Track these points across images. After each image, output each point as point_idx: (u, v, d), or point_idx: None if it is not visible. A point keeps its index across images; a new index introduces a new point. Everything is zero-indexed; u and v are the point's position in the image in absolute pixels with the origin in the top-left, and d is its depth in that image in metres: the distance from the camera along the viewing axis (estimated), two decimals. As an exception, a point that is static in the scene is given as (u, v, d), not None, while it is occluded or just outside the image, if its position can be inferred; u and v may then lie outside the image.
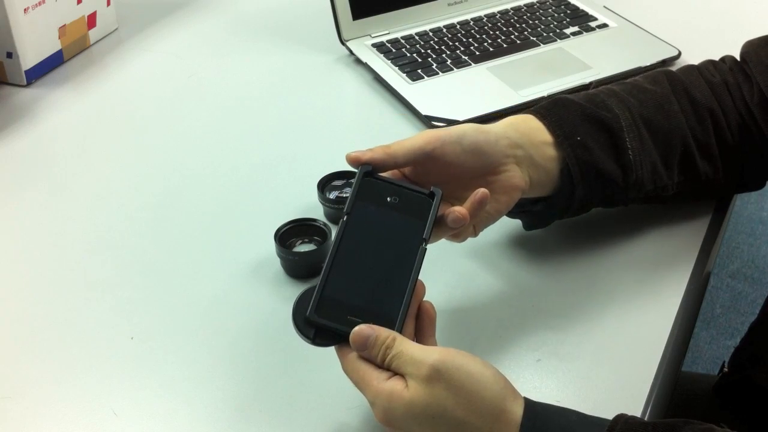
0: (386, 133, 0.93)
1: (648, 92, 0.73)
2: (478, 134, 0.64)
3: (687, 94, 0.73)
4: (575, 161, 0.67)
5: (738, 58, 0.78)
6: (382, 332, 0.53)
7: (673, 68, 1.01)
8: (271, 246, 0.72)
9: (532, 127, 0.68)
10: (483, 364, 0.53)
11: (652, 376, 0.64)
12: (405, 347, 0.53)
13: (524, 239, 0.76)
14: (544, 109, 0.70)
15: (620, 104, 0.71)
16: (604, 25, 1.08)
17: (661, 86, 0.74)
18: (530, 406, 0.53)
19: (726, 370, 0.88)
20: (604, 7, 1.12)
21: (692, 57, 1.02)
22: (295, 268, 0.72)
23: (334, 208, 0.77)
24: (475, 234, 0.66)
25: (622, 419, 0.53)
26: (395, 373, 0.53)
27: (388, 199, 0.59)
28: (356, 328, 0.54)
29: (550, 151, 0.67)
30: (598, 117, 0.69)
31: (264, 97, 1.00)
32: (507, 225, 0.77)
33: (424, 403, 0.51)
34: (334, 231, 0.73)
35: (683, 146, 0.72)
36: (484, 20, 1.09)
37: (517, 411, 0.52)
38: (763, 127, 0.73)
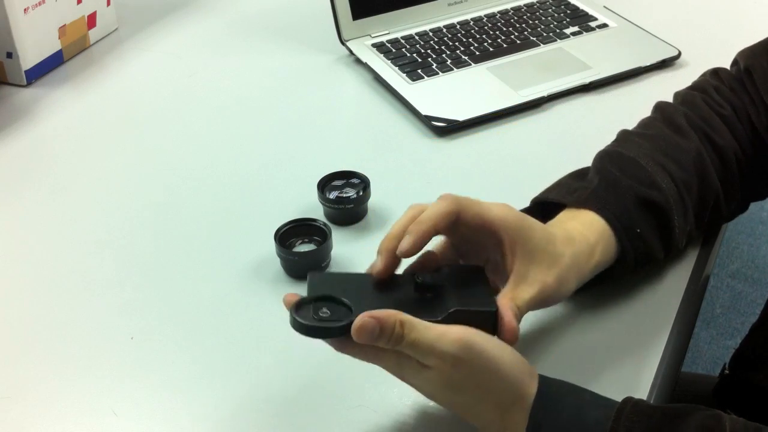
0: (386, 133, 0.93)
1: (683, 151, 0.70)
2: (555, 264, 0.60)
3: (711, 142, 0.72)
4: (633, 255, 0.66)
5: (731, 69, 0.77)
6: (388, 320, 0.51)
7: (673, 69, 1.01)
8: (271, 246, 0.72)
9: (599, 235, 0.65)
10: (500, 345, 0.54)
11: (652, 376, 0.64)
12: (419, 335, 0.51)
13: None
14: (602, 201, 0.66)
15: (665, 176, 0.68)
16: (604, 25, 1.08)
17: (690, 138, 0.71)
18: (543, 385, 0.54)
19: (727, 371, 0.88)
20: (604, 7, 1.12)
21: (692, 57, 1.02)
22: (295, 268, 0.72)
23: (334, 208, 0.77)
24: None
25: (631, 401, 0.54)
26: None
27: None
28: (358, 322, 0.51)
29: (610, 253, 0.65)
30: (651, 200, 0.67)
31: (264, 97, 1.01)
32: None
33: (445, 383, 0.53)
34: (334, 231, 0.74)
35: (715, 200, 0.71)
36: (484, 20, 1.09)
37: (532, 393, 0.54)
38: None
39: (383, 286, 0.58)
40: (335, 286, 0.57)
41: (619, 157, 0.70)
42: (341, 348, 0.55)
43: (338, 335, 0.53)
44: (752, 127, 0.73)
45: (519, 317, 0.57)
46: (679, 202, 0.68)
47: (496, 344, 0.54)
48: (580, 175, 0.71)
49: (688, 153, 0.70)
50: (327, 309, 0.54)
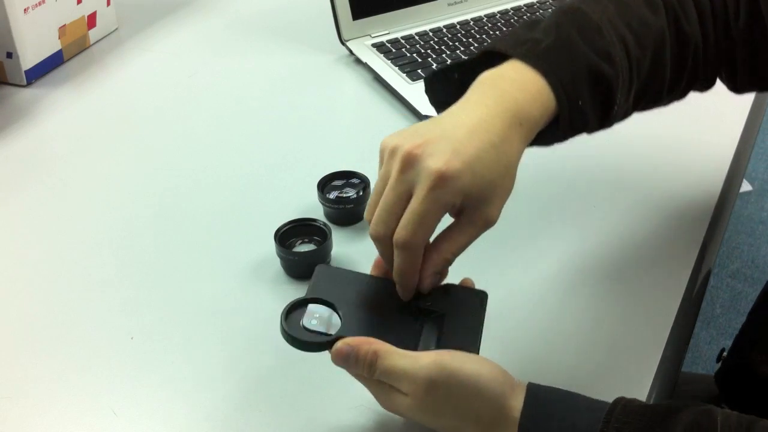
0: (386, 134, 0.93)
1: (647, 27, 0.66)
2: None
3: (677, 28, 0.68)
4: (568, 126, 0.61)
5: None
6: (361, 348, 0.53)
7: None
8: (271, 246, 0.72)
9: (543, 110, 0.59)
10: (478, 362, 0.54)
11: (652, 376, 0.64)
12: (391, 362, 0.53)
13: (522, 239, 0.76)
14: (553, 64, 0.60)
15: (621, 50, 0.63)
16: (604, 25, 1.08)
17: (659, 16, 0.67)
18: (531, 395, 0.53)
19: (725, 355, 0.89)
20: (604, 7, 1.12)
21: (692, 57, 1.02)
22: (295, 268, 0.72)
23: (334, 208, 0.77)
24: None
25: (621, 402, 0.53)
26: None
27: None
28: (335, 348, 0.54)
29: (545, 124, 0.60)
30: (602, 73, 0.61)
31: (264, 97, 1.01)
32: (506, 225, 0.77)
33: (424, 409, 0.53)
34: (334, 231, 0.74)
35: (659, 88, 0.68)
36: (484, 20, 1.09)
37: (516, 406, 0.53)
38: (738, 49, 0.69)
39: (384, 295, 0.59)
40: (337, 286, 0.58)
41: (582, 17, 0.63)
42: (335, 362, 0.56)
43: (318, 351, 0.55)
44: (724, 23, 0.69)
45: (447, 265, 0.58)
46: (627, 81, 0.63)
47: (472, 362, 0.54)
48: (533, 24, 0.64)
49: (651, 30, 0.66)
50: (318, 317, 0.56)
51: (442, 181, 0.53)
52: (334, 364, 0.55)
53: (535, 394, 0.54)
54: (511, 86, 0.58)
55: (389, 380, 0.53)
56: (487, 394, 0.53)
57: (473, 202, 0.55)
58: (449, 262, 0.58)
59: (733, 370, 0.86)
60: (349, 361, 0.54)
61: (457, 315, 0.58)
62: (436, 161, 0.53)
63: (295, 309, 0.56)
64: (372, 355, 0.53)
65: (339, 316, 0.56)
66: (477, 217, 0.56)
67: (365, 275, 0.60)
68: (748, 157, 0.93)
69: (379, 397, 0.56)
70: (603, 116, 0.64)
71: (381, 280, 0.60)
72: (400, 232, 0.54)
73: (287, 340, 0.55)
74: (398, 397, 0.53)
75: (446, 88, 0.61)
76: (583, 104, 0.61)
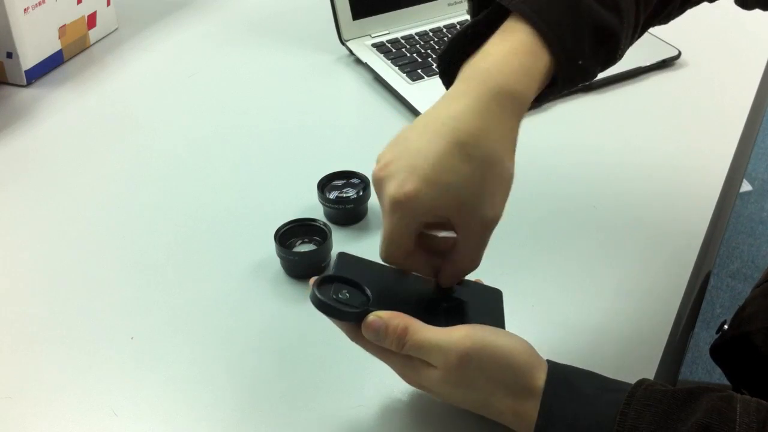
0: (386, 134, 0.93)
1: None
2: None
3: None
4: (567, 88, 0.58)
5: None
6: (392, 321, 0.53)
7: (673, 69, 1.01)
8: (271, 246, 0.72)
9: (542, 80, 0.56)
10: (508, 335, 0.54)
11: (652, 377, 0.64)
12: (423, 336, 0.53)
13: (523, 238, 0.76)
14: (555, 30, 0.55)
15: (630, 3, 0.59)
16: (604, 25, 1.08)
17: None
18: (554, 372, 0.54)
19: (725, 327, 0.89)
20: (604, 7, 1.12)
21: (692, 57, 1.02)
22: (295, 268, 0.72)
23: (334, 208, 0.77)
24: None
25: (643, 385, 0.53)
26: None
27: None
28: (367, 320, 0.54)
29: (542, 74, 0.56)
30: (608, 26, 0.56)
31: (264, 97, 1.01)
32: (506, 226, 0.77)
33: (455, 381, 0.53)
34: (334, 231, 0.74)
35: (667, 10, 0.64)
36: (484, 20, 1.09)
37: (542, 376, 0.53)
38: None
39: (405, 284, 0.59)
40: (360, 271, 0.58)
41: None
42: (355, 337, 0.56)
43: (350, 320, 0.55)
44: None
45: (466, 275, 0.58)
46: (631, 25, 0.59)
47: (503, 335, 0.55)
48: None
49: None
50: (347, 292, 0.56)
51: (398, 205, 0.52)
52: (365, 336, 0.54)
53: (558, 368, 0.55)
54: (496, 64, 0.54)
55: (419, 354, 0.53)
56: (518, 366, 0.53)
57: (455, 211, 0.53)
58: (467, 273, 0.58)
59: (730, 342, 0.87)
60: (379, 334, 0.54)
61: (478, 303, 0.60)
62: (390, 186, 0.53)
63: (323, 284, 0.55)
64: (402, 329, 0.53)
65: (367, 293, 0.56)
66: (472, 223, 0.54)
67: (384, 266, 0.60)
68: (748, 157, 0.93)
69: (404, 372, 0.56)
70: (604, 65, 0.60)
71: (400, 271, 0.60)
72: (380, 249, 0.56)
73: (320, 308, 0.54)
74: (427, 371, 0.54)
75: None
76: (583, 62, 0.57)
